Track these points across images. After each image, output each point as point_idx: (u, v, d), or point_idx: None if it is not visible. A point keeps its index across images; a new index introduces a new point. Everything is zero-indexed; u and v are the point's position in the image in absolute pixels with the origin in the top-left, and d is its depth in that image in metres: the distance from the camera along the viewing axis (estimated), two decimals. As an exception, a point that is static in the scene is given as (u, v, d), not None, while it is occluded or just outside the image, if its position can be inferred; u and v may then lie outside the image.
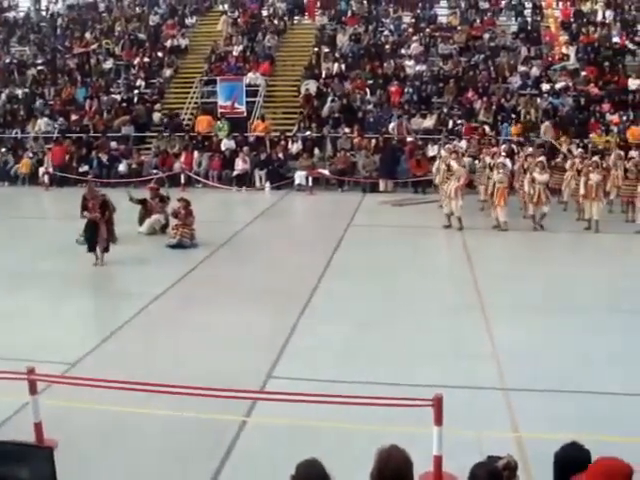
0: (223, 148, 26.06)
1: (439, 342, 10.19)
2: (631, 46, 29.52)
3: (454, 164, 18.72)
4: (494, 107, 27.07)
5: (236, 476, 6.92)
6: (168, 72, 30.29)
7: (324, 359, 9.53)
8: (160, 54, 31.50)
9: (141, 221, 17.92)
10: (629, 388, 8.66)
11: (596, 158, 19.33)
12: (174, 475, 6.73)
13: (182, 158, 25.75)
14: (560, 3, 32.45)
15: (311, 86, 28.32)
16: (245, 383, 8.16)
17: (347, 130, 26.32)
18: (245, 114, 27.60)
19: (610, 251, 16.35)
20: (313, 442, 6.97)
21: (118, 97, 29.23)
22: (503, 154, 21.32)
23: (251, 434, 7.67)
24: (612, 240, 17.16)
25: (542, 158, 19.30)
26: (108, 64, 31.28)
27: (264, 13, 33.83)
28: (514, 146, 23.88)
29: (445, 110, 27.21)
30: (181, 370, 8.94)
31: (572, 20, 31.61)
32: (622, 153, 21.24)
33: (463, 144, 24.29)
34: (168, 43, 32.03)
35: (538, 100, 27.20)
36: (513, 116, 26.71)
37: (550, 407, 8.22)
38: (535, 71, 28.57)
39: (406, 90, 28.24)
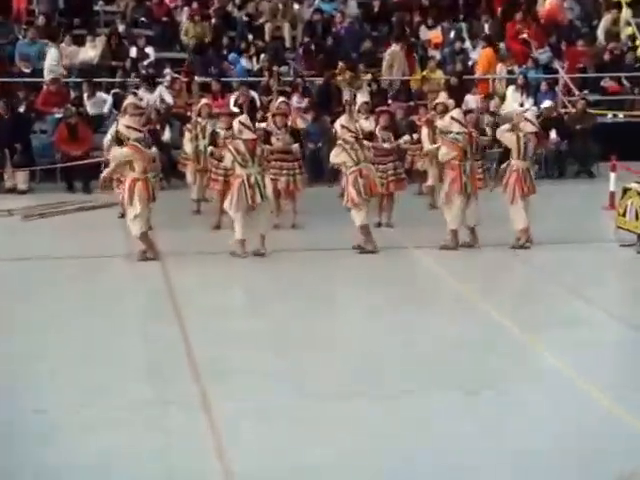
0: None
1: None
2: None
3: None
4: (214, 20, 24.45)
5: None
6: None
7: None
8: None
9: None
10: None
11: None
12: None
13: None
14: None
15: None
16: None
17: None
18: None
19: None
20: None
21: None
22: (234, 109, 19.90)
23: None
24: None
25: None
26: None
27: None
28: (255, 95, 21.92)
29: (121, 28, 24.28)
30: None
31: None
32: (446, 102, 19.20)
33: (158, 95, 21.73)
34: None
35: (295, 6, 25.57)
36: (251, 38, 24.33)
37: None
38: None
39: None
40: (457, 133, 15.58)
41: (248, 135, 15.05)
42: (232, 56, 23.66)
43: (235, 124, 15.70)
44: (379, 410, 10.09)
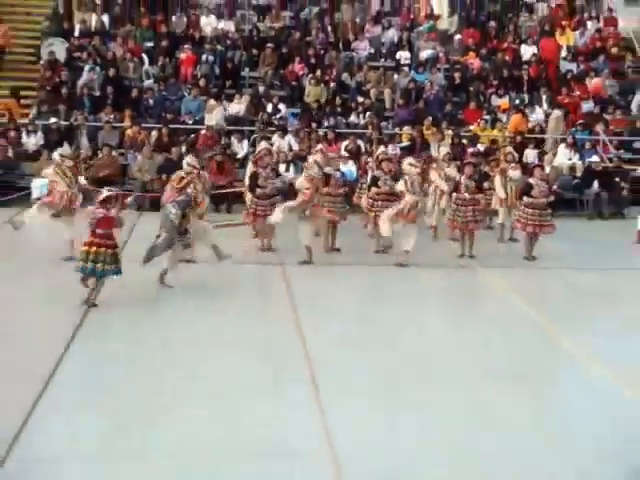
0: None
1: (253, 437, 9.34)
2: (528, -2, 31.24)
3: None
4: (332, 85, 27.13)
5: None
6: None
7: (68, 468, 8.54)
8: None
9: None
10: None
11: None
12: None
13: None
14: None
15: (58, 48, 27.09)
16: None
17: (113, 116, 25.29)
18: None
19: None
20: None
21: None
22: (344, 154, 21.99)
23: None
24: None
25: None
26: None
27: None
28: (361, 143, 23.91)
29: (261, 89, 26.88)
30: None
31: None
32: (515, 154, 21.13)
33: (287, 142, 24.28)
34: None
35: (395, 76, 27.66)
36: (360, 99, 26.77)
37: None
38: (391, 34, 29.26)
39: (203, 58, 27.87)
40: None
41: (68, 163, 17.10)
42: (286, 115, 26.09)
43: (56, 157, 17.86)
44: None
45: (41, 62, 27.00)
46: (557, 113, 25.93)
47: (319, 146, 20.66)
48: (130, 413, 9.90)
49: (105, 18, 29.09)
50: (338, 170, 18.54)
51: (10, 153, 23.48)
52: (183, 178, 15.50)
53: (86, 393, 10.50)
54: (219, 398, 10.36)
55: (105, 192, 14.27)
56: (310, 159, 18.39)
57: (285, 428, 9.57)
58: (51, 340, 12.29)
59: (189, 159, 18.08)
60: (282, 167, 20.52)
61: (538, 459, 8.85)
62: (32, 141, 24.21)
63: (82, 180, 19.95)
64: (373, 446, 9.23)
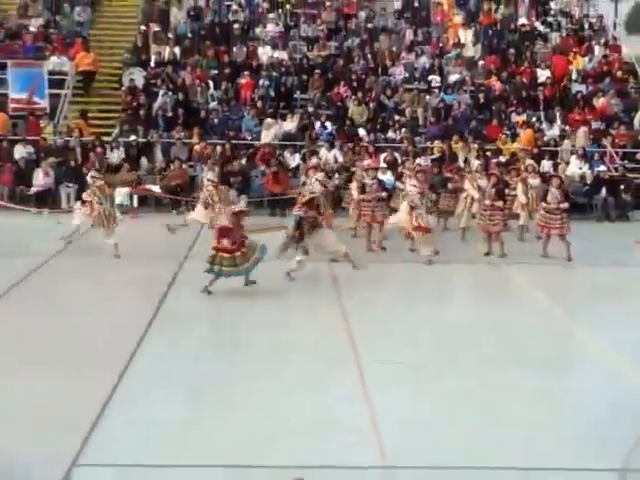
0: (17, 156, 25.07)
1: (302, 411, 9.81)
2: (542, 28, 31.88)
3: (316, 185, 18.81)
4: (372, 105, 28.06)
5: None
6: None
7: (149, 439, 8.92)
8: None
9: None
10: (538, 461, 8.57)
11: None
12: None
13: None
14: (455, -26, 34.00)
15: (137, 76, 28.35)
16: (42, 475, 7.84)
17: (183, 134, 26.37)
18: (48, 110, 26.99)
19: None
20: None
21: None
22: (383, 165, 22.29)
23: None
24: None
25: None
26: None
27: (72, -24, 32.40)
28: (398, 155, 24.65)
29: (310, 109, 27.92)
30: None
31: (470, -5, 33.16)
32: (535, 165, 22.22)
33: (333, 154, 25.16)
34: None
35: (427, 97, 28.64)
36: (396, 117, 27.91)
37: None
38: (423, 60, 30.15)
39: (260, 83, 28.78)
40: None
41: (98, 183, 17.84)
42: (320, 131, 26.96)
43: (88, 179, 18.30)
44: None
45: (123, 88, 28.21)
46: (584, 129, 27.02)
47: (367, 161, 22.05)
48: (199, 397, 10.35)
49: (177, 50, 29.88)
50: (375, 178, 19.13)
51: (97, 165, 23.77)
52: (304, 196, 16.33)
53: (160, 377, 10.80)
54: (276, 386, 10.53)
55: (241, 206, 15.45)
56: (310, 176, 19.18)
57: (334, 411, 9.70)
58: (129, 329, 12.77)
59: (209, 175, 19.33)
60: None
61: (548, 456, 8.65)
62: (115, 155, 25.29)
63: (154, 187, 22.48)
64: (411, 431, 9.22)
